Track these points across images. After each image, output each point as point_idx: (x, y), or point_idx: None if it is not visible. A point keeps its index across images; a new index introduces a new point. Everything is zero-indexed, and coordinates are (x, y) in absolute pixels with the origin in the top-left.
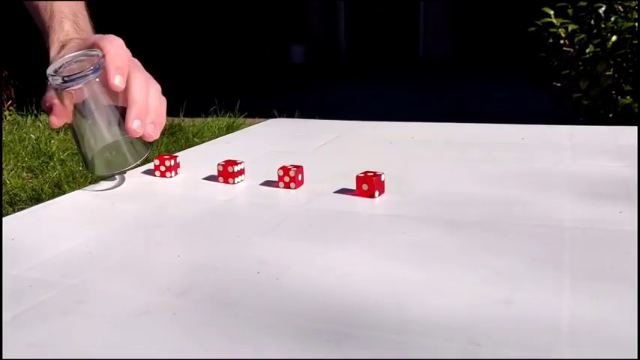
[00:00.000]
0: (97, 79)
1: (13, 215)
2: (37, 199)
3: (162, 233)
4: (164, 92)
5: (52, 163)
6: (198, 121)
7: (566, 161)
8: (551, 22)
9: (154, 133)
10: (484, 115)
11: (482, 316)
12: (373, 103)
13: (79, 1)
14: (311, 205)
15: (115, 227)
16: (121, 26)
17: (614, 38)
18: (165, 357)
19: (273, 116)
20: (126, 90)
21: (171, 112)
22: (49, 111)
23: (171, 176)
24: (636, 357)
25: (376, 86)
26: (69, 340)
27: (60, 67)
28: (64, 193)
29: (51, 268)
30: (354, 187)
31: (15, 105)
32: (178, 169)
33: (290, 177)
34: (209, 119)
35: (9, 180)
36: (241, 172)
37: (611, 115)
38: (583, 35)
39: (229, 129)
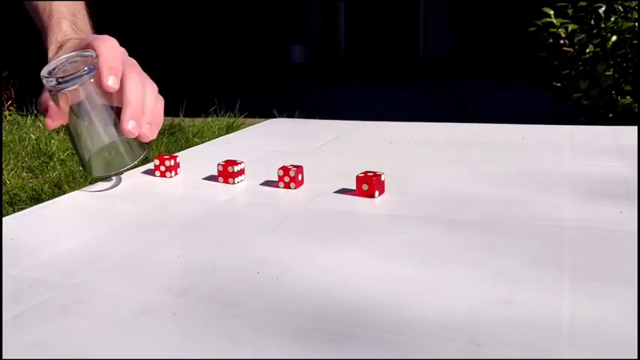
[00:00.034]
0: (92, 80)
1: (13, 215)
2: (37, 199)
3: (162, 233)
4: (164, 92)
5: (52, 163)
6: (198, 121)
7: (566, 161)
8: (551, 22)
9: (150, 133)
10: (484, 115)
11: (482, 316)
12: (373, 103)
13: (79, 1)
14: (311, 205)
15: (115, 227)
16: (122, 26)
17: (614, 38)
18: (165, 357)
19: (273, 116)
20: (121, 90)
21: (171, 112)
22: (44, 113)
23: (171, 176)
24: (636, 357)
25: (376, 86)
26: (69, 340)
27: (54, 69)
28: (64, 193)
29: (51, 268)
30: (354, 187)
31: (15, 105)
32: (178, 169)
33: (290, 177)
34: (209, 119)
35: (9, 180)
36: (241, 172)
37: (611, 115)
38: (583, 35)
39: (229, 129)
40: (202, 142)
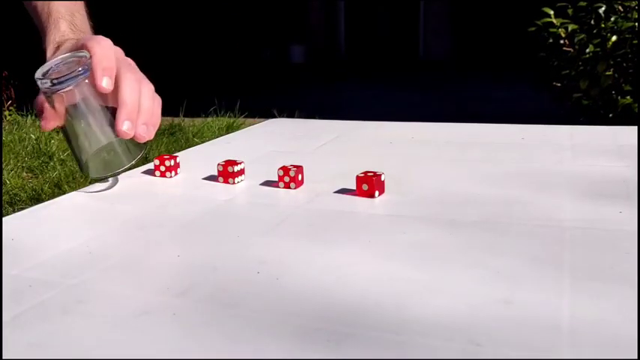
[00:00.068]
0: (87, 81)
1: (13, 215)
2: (37, 199)
3: (162, 233)
4: (164, 92)
5: (52, 163)
6: (198, 121)
7: (566, 161)
8: (551, 22)
9: (146, 134)
10: (484, 115)
11: (483, 316)
12: (373, 103)
13: (78, 1)
14: (311, 205)
15: (115, 227)
16: (122, 26)
17: (614, 38)
18: (165, 357)
19: (273, 116)
20: (117, 91)
21: (171, 112)
22: (40, 114)
23: (171, 176)
24: (636, 357)
25: (376, 86)
26: (69, 340)
27: (48, 70)
28: (64, 193)
29: (51, 268)
30: (354, 187)
31: (15, 105)
32: (178, 169)
33: (290, 177)
34: (209, 119)
35: (9, 180)
36: (241, 172)
37: (611, 115)
38: (583, 35)
39: (229, 129)
40: (202, 142)
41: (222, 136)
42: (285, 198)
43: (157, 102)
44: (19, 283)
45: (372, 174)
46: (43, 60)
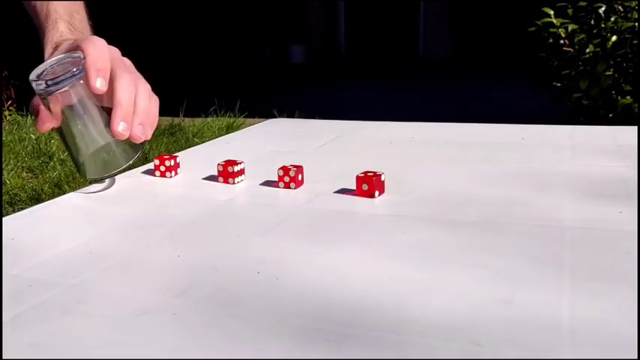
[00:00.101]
0: (81, 82)
1: (13, 215)
2: (37, 199)
3: (162, 233)
4: (164, 92)
5: (52, 163)
6: (198, 121)
7: (566, 161)
8: (551, 22)
9: (142, 134)
10: (484, 115)
11: (483, 316)
12: (373, 103)
13: (78, 1)
14: (311, 205)
15: (115, 227)
16: (122, 26)
17: (614, 38)
18: (165, 357)
19: (273, 116)
20: (112, 91)
21: (171, 112)
22: (35, 115)
23: (171, 176)
24: (636, 357)
25: (376, 86)
26: (69, 340)
27: (42, 72)
28: (64, 193)
29: (51, 268)
30: (354, 187)
31: (15, 105)
32: (178, 169)
33: (290, 177)
34: (209, 119)
35: (9, 180)
36: (241, 172)
37: (611, 115)
38: (583, 35)
39: (229, 129)
40: (202, 142)
41: (222, 136)
42: (285, 198)
43: (153, 102)
44: (19, 283)
45: (372, 174)
46: (42, 60)
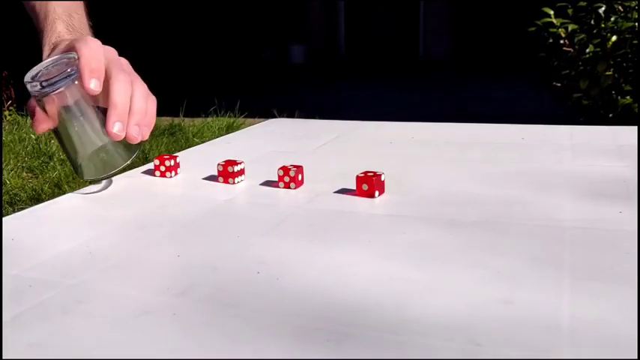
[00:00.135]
0: (76, 82)
1: (13, 215)
2: (37, 199)
3: (162, 233)
4: (164, 92)
5: (52, 163)
6: (198, 121)
7: (566, 161)
8: (551, 22)
9: (138, 134)
10: (484, 115)
11: (483, 316)
12: (373, 103)
13: (77, 1)
14: (311, 205)
15: (115, 227)
16: (122, 26)
17: (614, 38)
18: (165, 357)
19: (273, 116)
20: (108, 92)
21: (171, 112)
22: (32, 116)
23: (171, 176)
24: (636, 357)
25: (376, 86)
26: (69, 340)
27: (37, 74)
28: (64, 193)
29: (51, 268)
30: (354, 187)
31: (15, 105)
32: (178, 169)
33: (290, 177)
34: (209, 119)
35: (9, 180)
36: (241, 172)
37: (611, 115)
38: (583, 35)
39: (229, 129)
40: (202, 142)
41: (222, 136)
42: (285, 198)
43: (151, 102)
44: (19, 283)
45: (372, 174)
46: (41, 61)
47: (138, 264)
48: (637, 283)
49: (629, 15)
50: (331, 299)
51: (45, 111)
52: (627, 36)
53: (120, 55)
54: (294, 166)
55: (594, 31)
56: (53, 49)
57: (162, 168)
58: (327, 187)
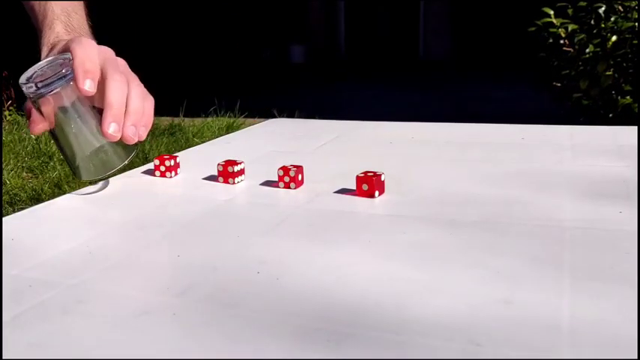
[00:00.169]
0: (72, 83)
1: (13, 215)
2: (37, 199)
3: (162, 233)
4: (164, 92)
5: (52, 163)
6: (198, 121)
7: (566, 161)
8: (551, 22)
9: (135, 135)
10: (484, 115)
11: (483, 316)
12: (373, 103)
13: (77, 1)
14: (311, 205)
15: (115, 227)
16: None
17: (614, 38)
18: (165, 357)
19: (273, 116)
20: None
21: (171, 112)
22: (28, 118)
23: (171, 176)
24: (636, 357)
25: (376, 86)
26: (69, 340)
27: (32, 75)
28: (64, 193)
29: (51, 268)
30: (354, 187)
31: (15, 105)
32: (178, 169)
33: (290, 177)
34: (209, 119)
35: (9, 180)
36: (241, 172)
37: (611, 115)
38: (583, 35)
39: (229, 129)
40: (202, 142)
41: (222, 136)
42: (285, 198)
43: (148, 102)
44: (19, 283)
45: (372, 174)
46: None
47: (138, 264)
48: (637, 283)
49: (629, 15)
50: (331, 299)
51: (41, 112)
52: (627, 36)
53: (120, 55)
54: (294, 166)
55: (594, 31)
56: (51, 50)
57: (163, 168)
58: (327, 187)
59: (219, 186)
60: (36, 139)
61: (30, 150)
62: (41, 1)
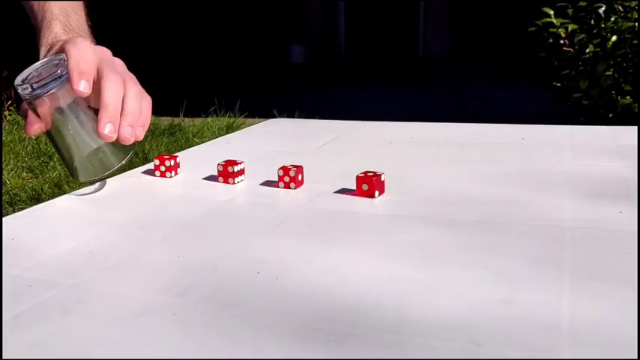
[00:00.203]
0: (67, 84)
1: (13, 215)
2: (37, 199)
3: (162, 233)
4: (164, 92)
5: (52, 163)
6: (198, 121)
7: (566, 161)
8: (551, 22)
9: (131, 135)
10: (484, 115)
11: (483, 316)
12: (373, 103)
13: (76, 1)
14: (311, 205)
15: (115, 227)
16: (122, 26)
17: (614, 38)
18: (165, 357)
19: (273, 116)
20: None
21: (171, 112)
22: (25, 119)
23: (171, 176)
24: (636, 357)
25: (376, 86)
26: (69, 340)
27: (27, 76)
28: (64, 193)
29: (51, 268)
30: (354, 187)
31: (15, 105)
32: (178, 169)
33: (290, 177)
34: (209, 119)
35: (9, 180)
36: (241, 172)
37: (611, 115)
38: (583, 35)
39: (229, 129)
40: (202, 142)
41: (222, 136)
42: (285, 198)
43: (145, 102)
44: (19, 283)
45: (372, 174)
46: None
47: (138, 264)
48: (637, 283)
49: (629, 15)
50: (331, 299)
51: (37, 114)
52: (627, 36)
53: (121, 55)
54: (294, 166)
55: (594, 31)
56: (49, 50)
57: (163, 168)
58: (327, 187)
59: (219, 186)
60: (36, 139)
61: (30, 150)
62: (40, 1)
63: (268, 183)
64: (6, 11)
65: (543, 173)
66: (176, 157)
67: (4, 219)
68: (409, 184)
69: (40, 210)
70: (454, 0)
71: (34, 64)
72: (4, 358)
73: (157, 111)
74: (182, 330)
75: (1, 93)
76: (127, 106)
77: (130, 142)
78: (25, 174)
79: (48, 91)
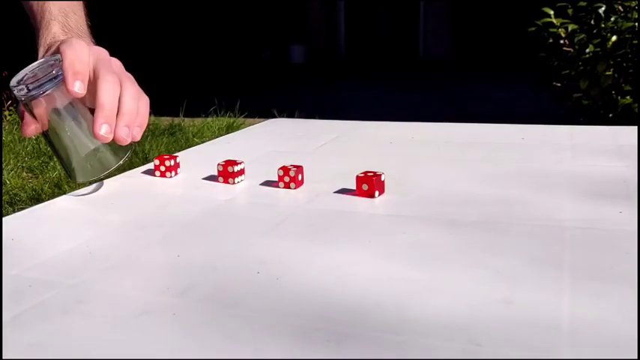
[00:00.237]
0: (63, 84)
1: (13, 215)
2: (37, 199)
3: (162, 233)
4: (164, 92)
5: (52, 163)
6: (198, 121)
7: (566, 161)
8: (551, 22)
9: (128, 136)
10: (484, 115)
11: (483, 316)
12: (373, 103)
13: (76, 1)
14: (311, 205)
15: (115, 227)
16: (122, 27)
17: (614, 38)
18: (165, 357)
19: (273, 116)
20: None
21: (171, 112)
22: (22, 120)
23: (171, 176)
24: (636, 357)
25: (376, 86)
26: (69, 340)
27: (23, 78)
28: (64, 193)
29: (51, 268)
30: (354, 187)
31: (15, 105)
32: (178, 169)
33: (290, 177)
34: (209, 119)
35: (9, 180)
36: (241, 172)
37: (611, 115)
38: (583, 35)
39: (229, 129)
40: (202, 142)
41: (222, 136)
42: (285, 198)
43: (143, 102)
44: (19, 283)
45: (372, 174)
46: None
47: (138, 264)
48: (637, 283)
49: (629, 15)
50: (331, 299)
51: (33, 115)
52: (627, 36)
53: (120, 55)
54: (294, 166)
55: (594, 31)
56: (48, 50)
57: (162, 168)
58: (327, 187)
59: (219, 186)
60: (36, 139)
61: (30, 150)
62: (39, 1)
63: (268, 183)
64: (6, 11)
65: (543, 173)
66: (176, 157)
67: (4, 219)
68: (409, 184)
69: (40, 210)
70: (454, 0)
71: (29, 65)
72: (4, 358)
73: (156, 111)
74: (182, 330)
75: (1, 93)
76: (124, 106)
77: (127, 143)
78: (25, 174)
79: (44, 92)
